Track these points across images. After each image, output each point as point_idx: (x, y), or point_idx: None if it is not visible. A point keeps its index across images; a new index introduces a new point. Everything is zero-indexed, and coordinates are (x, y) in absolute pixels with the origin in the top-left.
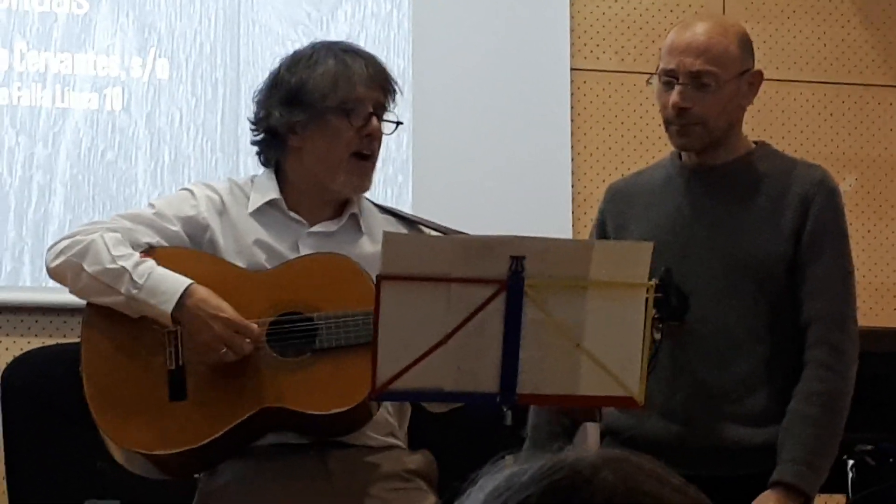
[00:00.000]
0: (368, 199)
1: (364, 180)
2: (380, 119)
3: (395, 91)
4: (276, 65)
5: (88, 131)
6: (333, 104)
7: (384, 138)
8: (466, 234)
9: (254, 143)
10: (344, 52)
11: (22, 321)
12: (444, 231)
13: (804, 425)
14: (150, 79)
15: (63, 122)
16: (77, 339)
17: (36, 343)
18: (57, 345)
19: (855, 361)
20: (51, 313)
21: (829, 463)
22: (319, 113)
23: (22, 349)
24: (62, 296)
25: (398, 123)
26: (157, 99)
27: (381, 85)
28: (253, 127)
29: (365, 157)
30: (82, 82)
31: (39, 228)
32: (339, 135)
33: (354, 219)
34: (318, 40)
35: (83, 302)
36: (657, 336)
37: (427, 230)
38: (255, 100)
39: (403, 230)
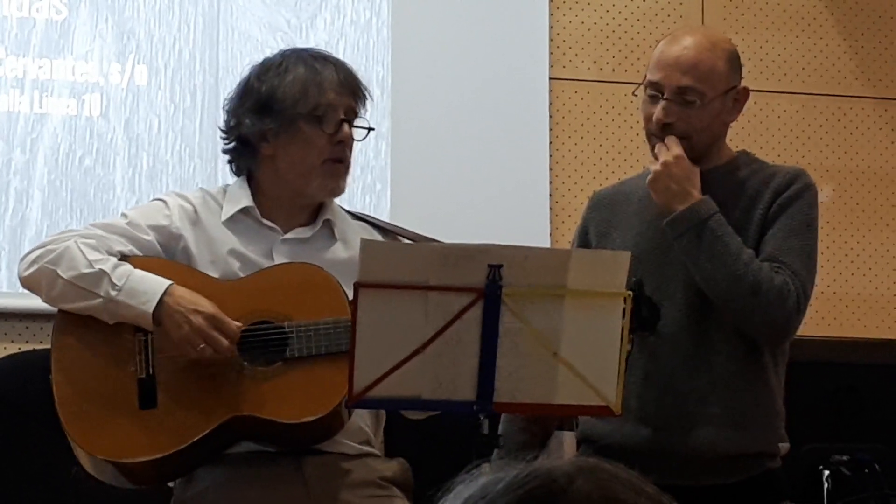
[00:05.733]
0: (341, 207)
1: (338, 183)
2: (351, 125)
3: (365, 97)
4: (245, 73)
5: (66, 137)
6: (304, 111)
7: (361, 144)
8: (440, 241)
9: (225, 151)
10: (314, 59)
11: None
12: (416, 238)
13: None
14: (128, 85)
15: (41, 127)
16: None
17: (12, 349)
18: (33, 350)
19: (791, 298)
20: (27, 319)
21: (706, 251)
22: (290, 120)
23: None
24: (39, 301)
25: (370, 129)
26: (136, 105)
27: (351, 91)
28: (224, 136)
29: (338, 161)
30: (60, 88)
31: (16, 234)
32: (312, 142)
33: (328, 225)
34: (289, 47)
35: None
36: (628, 346)
37: (399, 238)
38: (226, 108)
39: (378, 236)
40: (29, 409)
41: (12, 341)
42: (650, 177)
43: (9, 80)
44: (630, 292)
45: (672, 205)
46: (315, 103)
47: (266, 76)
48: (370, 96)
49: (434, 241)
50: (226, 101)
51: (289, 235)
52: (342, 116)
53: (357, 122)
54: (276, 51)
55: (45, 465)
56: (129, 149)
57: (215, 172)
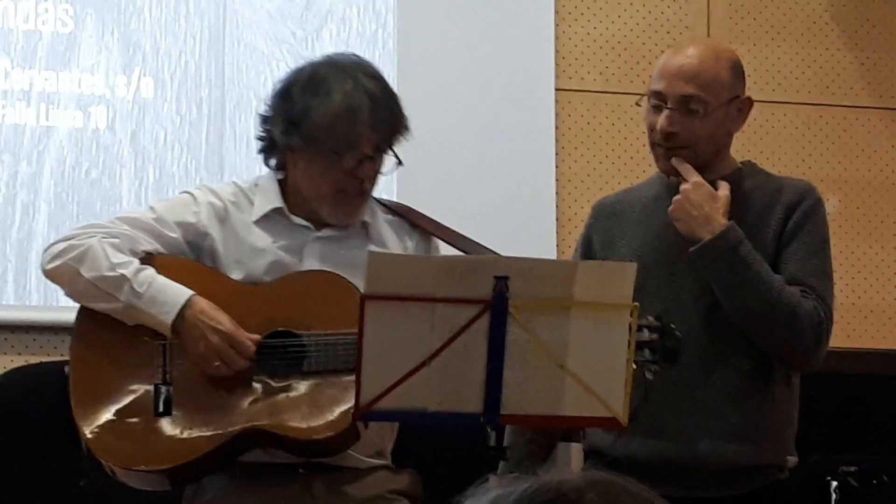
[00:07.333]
0: (375, 198)
1: (350, 214)
2: (377, 158)
3: (400, 132)
4: (297, 69)
5: (73, 149)
6: (329, 143)
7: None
8: (475, 241)
9: (258, 138)
10: (355, 86)
11: (5, 339)
12: (453, 239)
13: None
14: (134, 97)
15: (47, 140)
16: (60, 358)
17: (19, 361)
18: (40, 363)
19: (823, 324)
20: (34, 331)
21: (735, 278)
22: (315, 147)
23: (5, 367)
24: (45, 314)
25: (399, 163)
26: (142, 117)
27: (385, 127)
28: (260, 124)
29: (352, 194)
30: (67, 100)
31: (23, 247)
32: (329, 170)
33: (364, 226)
34: (343, 56)
35: (67, 320)
36: (649, 376)
37: (434, 236)
38: (267, 102)
39: (406, 237)
40: (36, 422)
41: (19, 354)
42: (671, 208)
43: (15, 92)
44: (636, 304)
45: (696, 232)
46: (342, 140)
47: (306, 92)
48: (407, 128)
49: (470, 240)
50: (272, 91)
51: (322, 233)
52: (368, 152)
53: (388, 153)
54: (281, 63)
55: (52, 477)
56: (136, 161)
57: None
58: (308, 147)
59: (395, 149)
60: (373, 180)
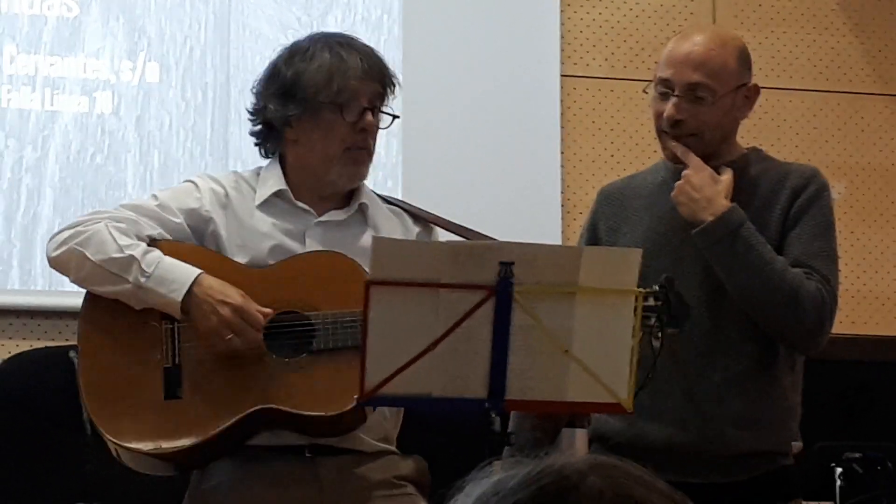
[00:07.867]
0: (374, 192)
1: (359, 170)
2: (375, 113)
3: (392, 84)
4: (274, 56)
5: (78, 134)
6: (327, 99)
7: (379, 133)
8: (471, 228)
9: (252, 133)
10: (340, 46)
11: (10, 324)
12: (448, 226)
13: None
14: (139, 82)
15: (52, 125)
16: (64, 343)
17: (24, 346)
18: (45, 348)
19: (826, 305)
20: (39, 316)
21: (739, 260)
22: (313, 107)
23: (10, 352)
24: (50, 299)
25: (395, 117)
26: (147, 102)
27: (376, 79)
28: (251, 118)
29: (359, 149)
30: (72, 85)
31: (28, 231)
32: (333, 129)
33: (363, 209)
34: (318, 32)
35: (72, 305)
36: (656, 344)
37: (430, 224)
38: (254, 91)
39: (409, 221)
40: (41, 407)
41: (24, 338)
42: (673, 192)
43: (20, 77)
44: (642, 290)
45: (698, 215)
46: (338, 91)
47: (292, 61)
48: (398, 83)
49: (465, 228)
50: (254, 83)
51: (323, 218)
52: (365, 105)
53: (383, 109)
54: None
55: (57, 461)
56: (141, 146)
57: (226, 170)
58: (308, 110)
59: (390, 106)
60: (374, 134)
